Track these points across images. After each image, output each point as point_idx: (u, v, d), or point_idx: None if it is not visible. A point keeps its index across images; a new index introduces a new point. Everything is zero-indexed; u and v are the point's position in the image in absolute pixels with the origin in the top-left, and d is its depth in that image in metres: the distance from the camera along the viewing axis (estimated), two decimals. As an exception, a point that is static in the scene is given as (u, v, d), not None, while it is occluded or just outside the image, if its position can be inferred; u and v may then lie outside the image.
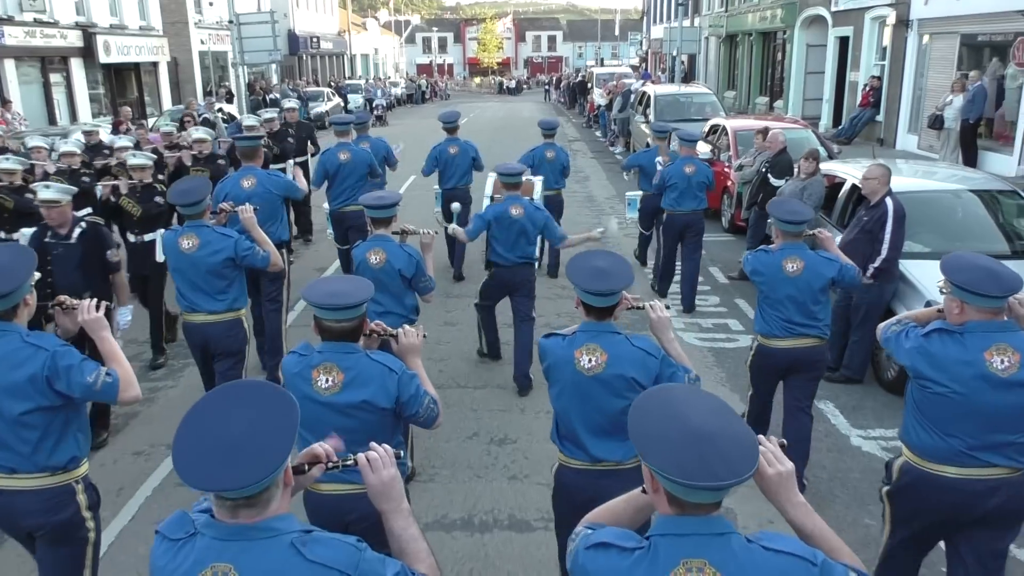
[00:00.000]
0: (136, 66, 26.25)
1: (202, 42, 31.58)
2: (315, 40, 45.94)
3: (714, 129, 13.39)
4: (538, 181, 8.86)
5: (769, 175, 8.71)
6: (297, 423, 1.81)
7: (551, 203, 8.91)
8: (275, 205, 6.49)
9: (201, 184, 5.20)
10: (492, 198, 8.28)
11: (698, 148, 12.43)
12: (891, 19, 17.90)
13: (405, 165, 11.29)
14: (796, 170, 8.23)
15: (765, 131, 9.58)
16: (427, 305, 5.62)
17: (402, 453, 2.21)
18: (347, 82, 38.28)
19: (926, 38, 17.11)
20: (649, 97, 17.89)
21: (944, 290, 3.25)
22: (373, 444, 2.10)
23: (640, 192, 9.36)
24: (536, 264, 6.84)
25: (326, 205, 8.45)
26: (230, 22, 25.72)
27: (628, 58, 69.11)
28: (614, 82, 24.76)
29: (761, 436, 1.94)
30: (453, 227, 6.58)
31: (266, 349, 6.69)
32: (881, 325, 3.55)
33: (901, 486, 3.40)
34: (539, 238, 6.98)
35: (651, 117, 16.90)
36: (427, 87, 54.70)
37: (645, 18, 57.56)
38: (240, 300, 5.23)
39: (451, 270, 9.57)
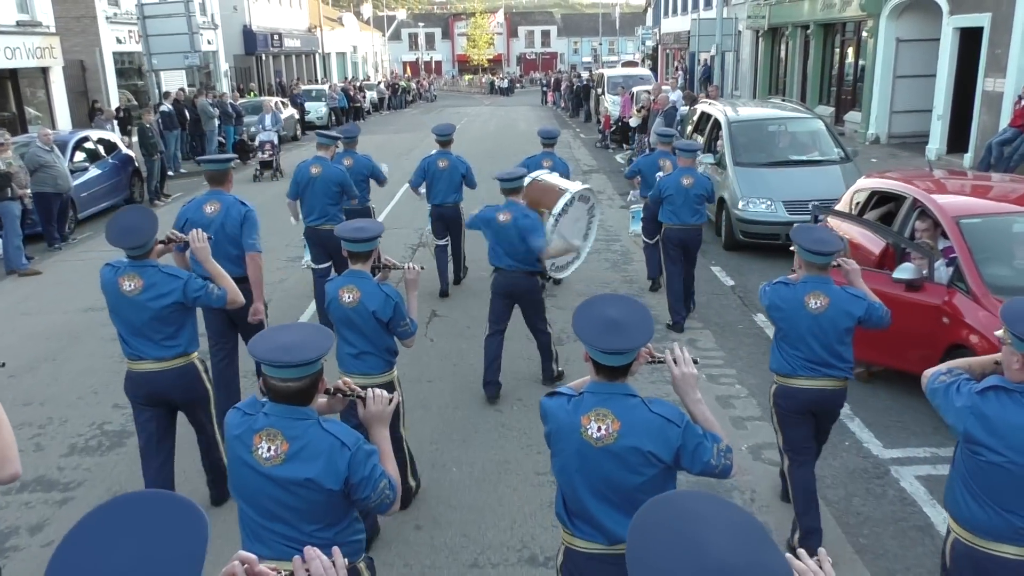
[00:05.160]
0: (13, 73, 20.04)
1: (118, 40, 25.42)
2: (277, 37, 39.89)
3: (879, 199, 7.33)
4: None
5: None
6: (203, 553, 1.41)
7: None
8: (238, 236, 5.62)
9: (147, 220, 4.42)
10: None
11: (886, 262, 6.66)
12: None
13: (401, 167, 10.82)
14: None
15: None
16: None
17: (346, 562, 1.94)
18: (305, 88, 31.89)
19: None
20: (715, 121, 11.78)
21: (1004, 340, 2.78)
22: (314, 553, 1.83)
23: (643, 203, 9.05)
24: (541, 276, 6.43)
25: (297, 222, 8.04)
26: (138, 17, 19.68)
27: (627, 54, 65.30)
28: (644, 90, 18.69)
29: (792, 559, 1.56)
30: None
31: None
32: (928, 372, 3.05)
33: (952, 568, 2.98)
34: None
35: (726, 154, 10.82)
36: (407, 88, 48.49)
37: (651, 10, 51.94)
38: (192, 344, 4.59)
39: (439, 284, 9.05)
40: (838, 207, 7.92)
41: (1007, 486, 2.74)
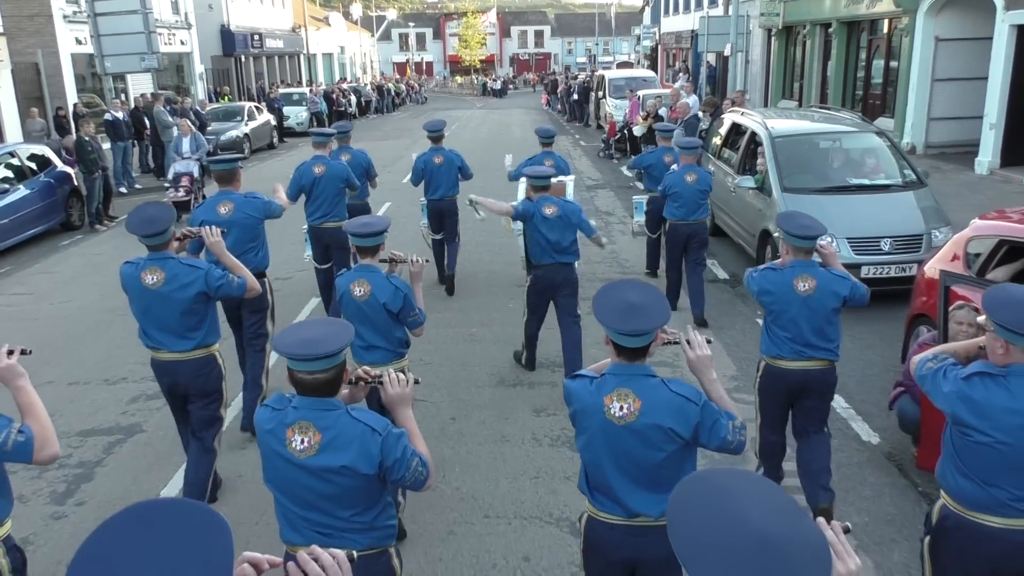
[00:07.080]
0: (-50, 77, 18.05)
1: (78, 41, 23.39)
2: (257, 38, 37.84)
3: (1008, 250, 5.41)
4: (570, 181, 8.69)
5: None
6: (231, 563, 1.36)
7: None
8: (255, 231, 6.02)
9: (165, 211, 4.63)
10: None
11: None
12: None
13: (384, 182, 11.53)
14: None
15: None
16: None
17: (355, 554, 1.85)
18: (284, 92, 29.84)
19: None
20: (752, 135, 9.85)
21: (987, 328, 2.92)
22: (315, 552, 1.75)
23: (647, 195, 9.23)
24: (576, 263, 6.73)
25: (304, 226, 8.13)
26: (89, 15, 17.66)
27: (621, 54, 63.89)
28: (653, 94, 16.75)
29: (821, 521, 1.55)
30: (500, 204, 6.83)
31: (246, 389, 6.06)
32: (915, 358, 3.18)
33: (940, 533, 3.13)
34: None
35: (771, 177, 8.88)
36: (396, 90, 46.50)
37: (648, 9, 50.12)
38: (212, 335, 4.76)
39: (441, 285, 9.36)
40: (939, 259, 6.00)
41: (992, 463, 2.88)
